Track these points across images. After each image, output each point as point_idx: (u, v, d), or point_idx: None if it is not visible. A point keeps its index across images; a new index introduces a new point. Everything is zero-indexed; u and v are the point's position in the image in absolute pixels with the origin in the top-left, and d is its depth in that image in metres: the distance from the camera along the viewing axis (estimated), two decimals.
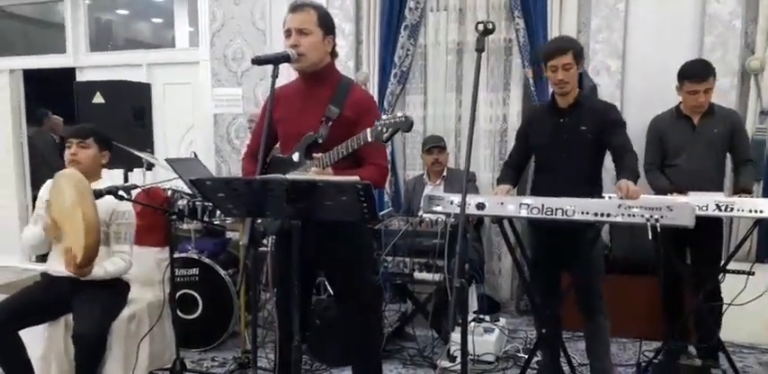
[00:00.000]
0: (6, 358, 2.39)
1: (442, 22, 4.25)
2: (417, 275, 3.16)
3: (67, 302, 2.47)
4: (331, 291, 2.36)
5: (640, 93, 3.81)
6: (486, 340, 3.15)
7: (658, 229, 2.10)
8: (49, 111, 6.29)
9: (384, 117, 1.85)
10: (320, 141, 2.03)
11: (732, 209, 2.55)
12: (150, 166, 3.89)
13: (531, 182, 2.80)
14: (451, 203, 2.42)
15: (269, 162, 2.23)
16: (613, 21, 3.86)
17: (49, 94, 5.86)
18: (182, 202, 3.27)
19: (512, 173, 2.74)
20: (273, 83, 2.00)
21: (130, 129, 3.96)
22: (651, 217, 2.11)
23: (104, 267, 2.47)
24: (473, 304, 3.72)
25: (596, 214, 2.19)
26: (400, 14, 4.18)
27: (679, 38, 3.73)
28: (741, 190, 2.94)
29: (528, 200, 2.31)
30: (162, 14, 6.49)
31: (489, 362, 3.12)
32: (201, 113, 4.96)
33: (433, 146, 3.79)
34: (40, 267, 5.12)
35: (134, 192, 2.75)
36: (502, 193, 2.53)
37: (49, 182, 2.64)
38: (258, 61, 1.98)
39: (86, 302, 2.43)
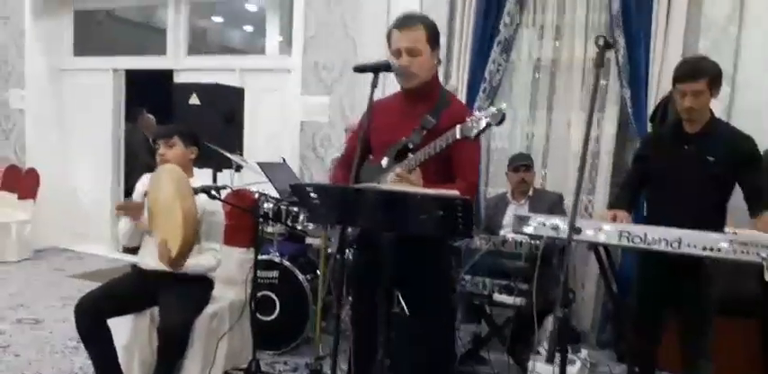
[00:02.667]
0: (95, 346, 2.48)
1: (536, 38, 4.17)
2: (497, 297, 3.06)
3: (155, 295, 2.55)
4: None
5: (750, 122, 3.51)
6: (567, 372, 2.99)
7: None
8: (143, 109, 6.59)
9: (477, 113, 1.79)
10: (411, 146, 1.99)
11: None
12: (239, 168, 4.00)
13: (646, 213, 2.63)
14: (544, 225, 2.33)
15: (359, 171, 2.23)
16: (723, 44, 3.64)
17: (148, 94, 6.16)
18: (267, 205, 3.32)
19: (627, 197, 2.56)
20: (372, 92, 1.97)
21: (222, 130, 4.07)
22: None
23: (198, 260, 2.54)
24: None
25: (705, 248, 2.05)
26: (494, 29, 4.11)
27: None
28: None
29: (629, 227, 2.20)
30: (254, 23, 6.70)
31: None
32: (289, 120, 5.06)
33: (521, 164, 3.69)
34: (128, 258, 5.45)
35: (224, 193, 2.82)
36: (621, 219, 2.34)
37: (146, 175, 2.75)
38: (359, 69, 1.98)
39: (174, 296, 2.50)
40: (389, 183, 1.89)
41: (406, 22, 2.07)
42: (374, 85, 1.95)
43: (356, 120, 4.07)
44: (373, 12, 4.56)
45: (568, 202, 3.95)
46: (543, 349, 3.18)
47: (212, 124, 4.01)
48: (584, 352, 3.27)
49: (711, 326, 2.39)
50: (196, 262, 2.54)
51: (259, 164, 3.25)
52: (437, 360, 2.20)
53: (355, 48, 4.67)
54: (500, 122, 1.74)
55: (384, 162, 2.05)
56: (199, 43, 7.07)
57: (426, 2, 4.37)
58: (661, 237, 2.11)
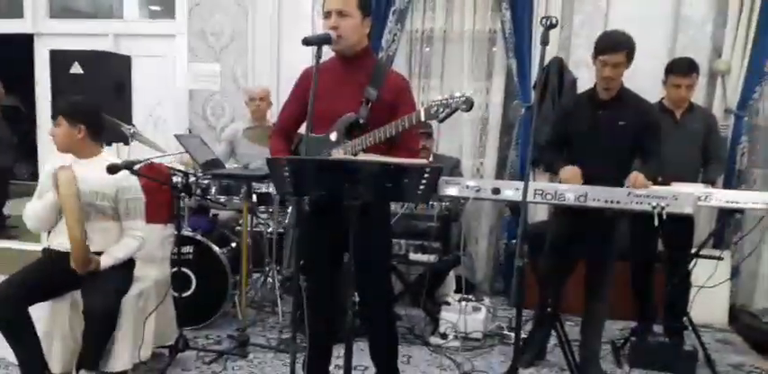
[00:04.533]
0: (17, 336, 2.32)
1: (429, 9, 4.32)
2: (412, 256, 3.27)
3: (74, 278, 2.42)
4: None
5: None
6: (474, 318, 3.29)
7: (664, 217, 2.29)
8: None
9: (440, 97, 1.91)
10: (362, 121, 2.07)
11: (711, 200, 2.80)
12: (127, 141, 3.79)
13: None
14: (467, 187, 2.53)
15: (298, 141, 2.27)
16: (595, 17, 4.04)
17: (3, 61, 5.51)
18: (176, 179, 3.22)
19: (559, 155, 2.79)
20: (317, 64, 2.01)
21: (109, 102, 3.81)
22: (658, 205, 2.29)
23: (113, 255, 2.47)
24: (452, 285, 3.87)
25: (607, 201, 2.36)
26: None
27: (654, 37, 3.94)
28: (705, 181, 3.18)
29: (542, 186, 2.46)
30: None
31: (477, 339, 3.27)
32: (174, 88, 4.83)
33: (421, 132, 3.86)
34: None
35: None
36: (574, 175, 2.56)
37: (56, 158, 2.55)
38: (307, 42, 2.01)
39: (96, 278, 2.40)
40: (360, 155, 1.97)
41: None
42: (318, 56, 1.99)
43: (257, 90, 4.06)
44: None
45: (464, 166, 4.24)
46: (452, 299, 3.44)
47: (98, 95, 3.74)
48: (486, 300, 3.59)
49: (611, 274, 2.74)
50: (112, 257, 2.47)
51: (177, 136, 3.12)
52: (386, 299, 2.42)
53: (246, 14, 4.54)
54: (469, 108, 1.89)
55: (333, 136, 2.10)
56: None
57: None
58: (569, 193, 2.40)
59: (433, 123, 4.24)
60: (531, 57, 4.06)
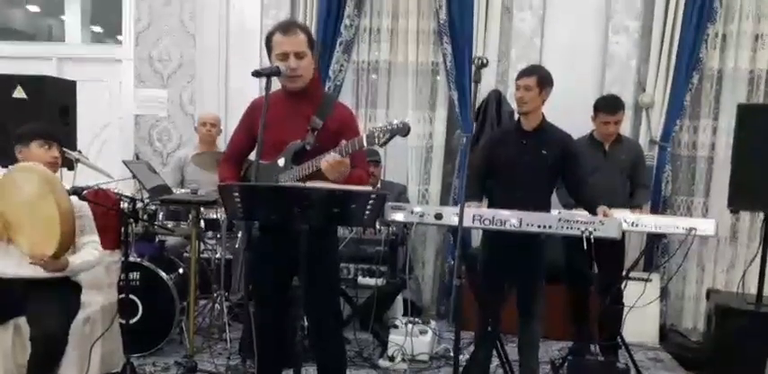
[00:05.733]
0: None
1: (374, 41, 4.49)
2: (361, 280, 3.35)
3: (18, 304, 2.39)
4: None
5: (549, 118, 4.26)
6: (421, 340, 3.38)
7: (592, 240, 2.46)
8: None
9: (380, 124, 2.05)
10: (308, 148, 2.18)
11: (638, 225, 3.01)
12: (71, 166, 3.75)
13: (492, 196, 3.06)
14: (412, 213, 2.65)
15: (247, 168, 2.35)
16: (530, 52, 4.30)
17: None
18: (122, 205, 3.21)
19: (477, 189, 2.97)
20: (267, 95, 2.12)
21: (54, 127, 3.77)
22: (586, 229, 2.47)
23: (81, 256, 2.45)
24: (400, 308, 3.96)
25: (540, 226, 2.52)
26: (336, 30, 4.36)
27: (584, 72, 4.25)
28: (634, 206, 3.42)
29: (481, 212, 2.60)
30: (43, 4, 6.00)
31: (424, 361, 3.36)
32: (120, 113, 4.82)
33: (371, 160, 3.97)
34: None
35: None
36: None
37: None
38: (258, 74, 2.11)
39: (44, 303, 2.37)
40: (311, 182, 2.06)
41: (287, 27, 2.24)
42: (268, 88, 2.10)
43: (210, 115, 4.12)
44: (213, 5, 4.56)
45: (411, 192, 4.38)
46: (399, 322, 3.52)
47: (42, 120, 3.70)
48: (433, 323, 3.68)
49: (542, 293, 2.89)
50: (81, 260, 2.44)
51: (126, 162, 3.13)
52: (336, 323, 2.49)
53: (194, 40, 4.60)
54: (406, 134, 2.04)
55: (281, 162, 2.19)
56: None
57: (267, 2, 4.48)
58: (506, 219, 2.55)
59: (381, 151, 4.43)
60: (471, 90, 4.26)
